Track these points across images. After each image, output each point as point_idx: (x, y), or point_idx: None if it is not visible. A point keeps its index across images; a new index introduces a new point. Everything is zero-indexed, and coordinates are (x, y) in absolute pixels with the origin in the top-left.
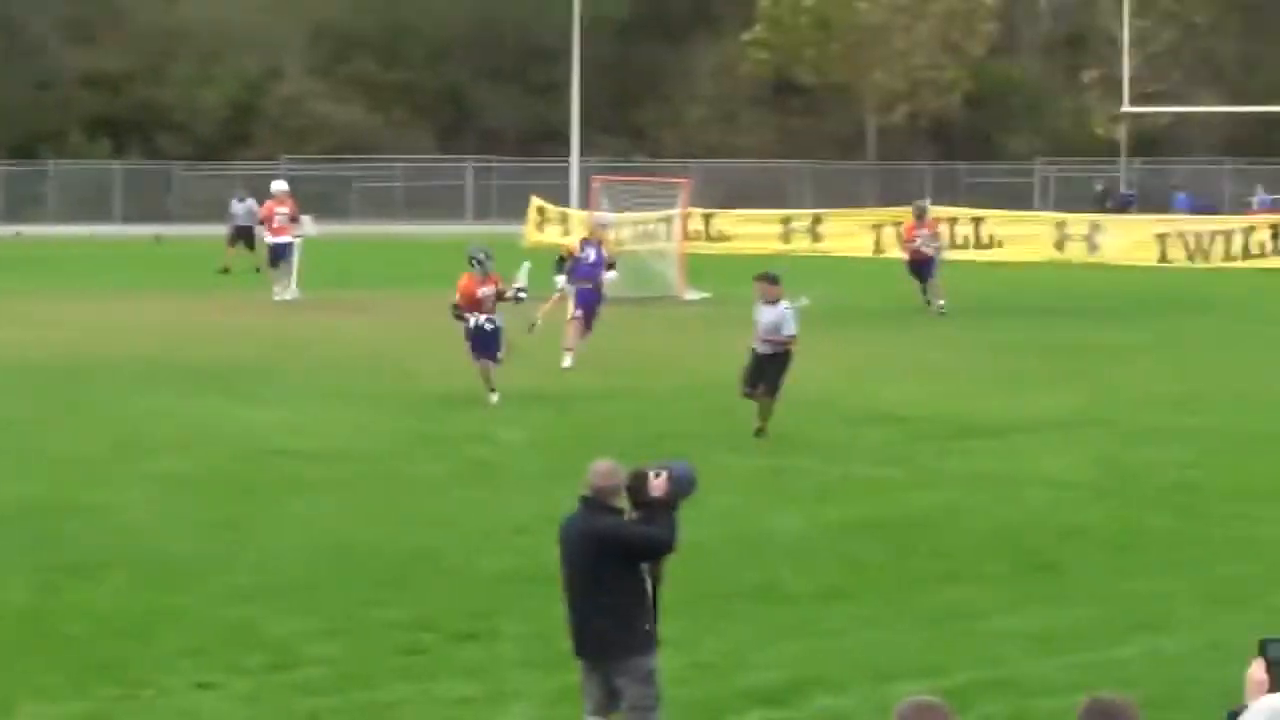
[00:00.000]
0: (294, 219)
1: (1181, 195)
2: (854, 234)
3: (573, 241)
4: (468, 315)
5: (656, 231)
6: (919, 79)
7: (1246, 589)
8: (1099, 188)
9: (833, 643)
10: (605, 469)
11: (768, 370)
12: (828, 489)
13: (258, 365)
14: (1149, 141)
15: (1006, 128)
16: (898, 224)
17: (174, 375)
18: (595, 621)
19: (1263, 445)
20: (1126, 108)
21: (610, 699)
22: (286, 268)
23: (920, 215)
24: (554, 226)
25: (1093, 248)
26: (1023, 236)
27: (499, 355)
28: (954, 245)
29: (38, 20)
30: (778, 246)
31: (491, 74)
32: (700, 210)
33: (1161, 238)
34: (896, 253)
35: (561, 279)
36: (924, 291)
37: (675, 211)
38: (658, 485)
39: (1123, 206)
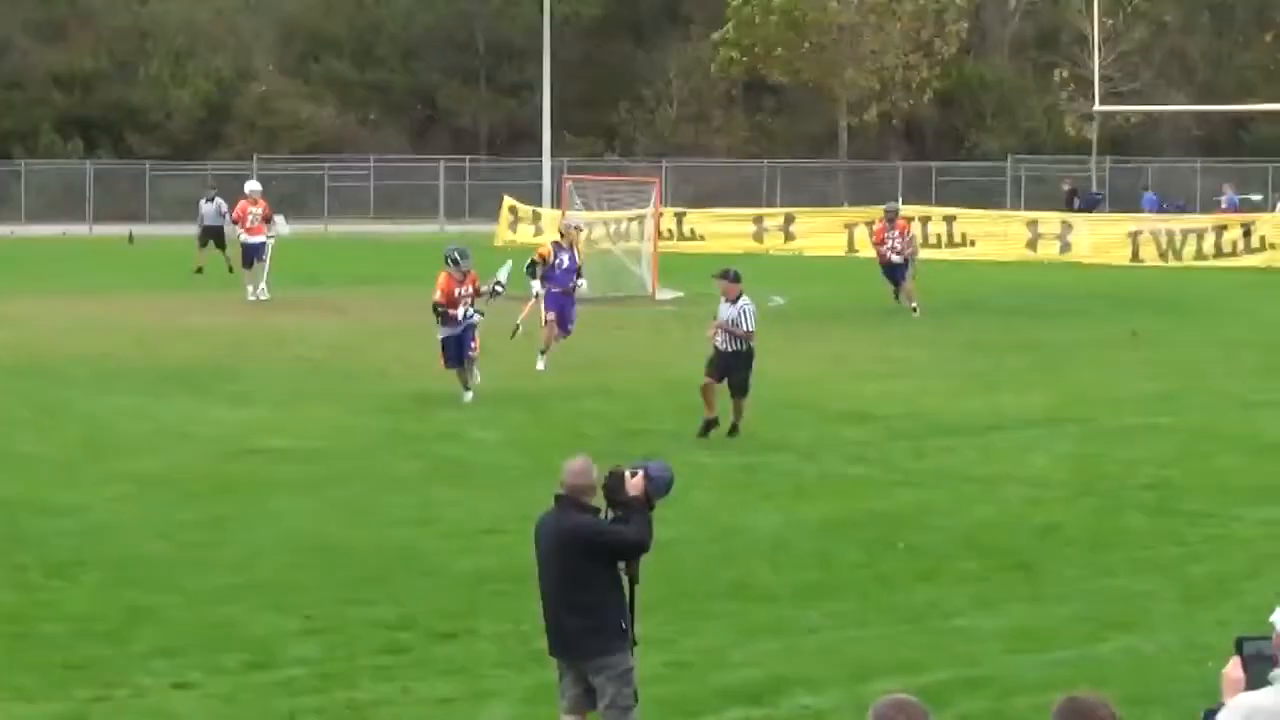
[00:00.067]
0: (267, 219)
1: (1149, 194)
2: (826, 233)
3: (544, 242)
4: (451, 312)
5: (629, 231)
6: (890, 78)
7: (1223, 587)
8: (1066, 187)
9: (810, 641)
10: (579, 467)
11: (734, 369)
12: (804, 487)
13: (231, 365)
14: (1121, 140)
15: (978, 127)
16: (870, 223)
17: (147, 375)
18: (570, 620)
19: (1237, 444)
20: (1098, 107)
21: (587, 698)
22: (260, 268)
23: (891, 218)
24: (526, 226)
25: (1065, 246)
26: (995, 235)
27: (470, 353)
28: (927, 244)
29: (7, 20)
30: (750, 246)
31: (463, 74)
32: (672, 209)
33: (1134, 236)
34: (869, 252)
35: (535, 284)
36: (896, 295)
37: (647, 211)
38: (634, 484)
39: (1090, 206)
